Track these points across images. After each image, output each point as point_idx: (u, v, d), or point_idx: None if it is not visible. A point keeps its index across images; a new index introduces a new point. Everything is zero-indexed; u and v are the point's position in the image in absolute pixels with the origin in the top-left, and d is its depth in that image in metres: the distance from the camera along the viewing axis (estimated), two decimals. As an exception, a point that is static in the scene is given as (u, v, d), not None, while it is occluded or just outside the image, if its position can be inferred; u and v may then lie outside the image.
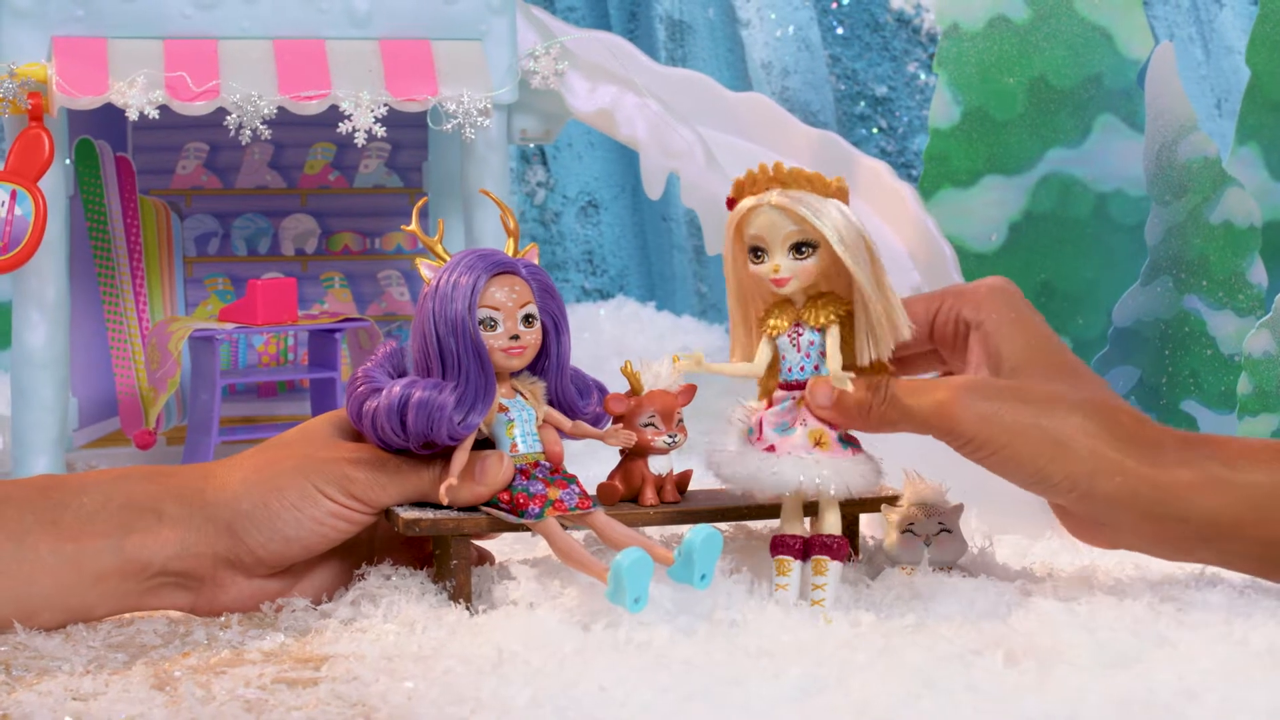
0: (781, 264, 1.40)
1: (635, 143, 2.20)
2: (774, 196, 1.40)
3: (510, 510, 1.40)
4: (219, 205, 2.37)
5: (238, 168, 2.37)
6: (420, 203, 1.54)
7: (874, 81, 3.26)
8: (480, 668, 1.23)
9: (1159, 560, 1.51)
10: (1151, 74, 2.27)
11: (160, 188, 2.35)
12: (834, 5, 3.26)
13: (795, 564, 1.40)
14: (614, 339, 2.87)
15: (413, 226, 1.47)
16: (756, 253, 1.42)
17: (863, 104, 3.25)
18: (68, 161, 2.11)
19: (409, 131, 2.30)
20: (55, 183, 1.99)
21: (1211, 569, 1.48)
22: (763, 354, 1.44)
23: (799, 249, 1.40)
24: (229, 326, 2.06)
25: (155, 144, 2.32)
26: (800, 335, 1.42)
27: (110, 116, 1.99)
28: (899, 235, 2.35)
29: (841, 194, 1.41)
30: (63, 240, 2.02)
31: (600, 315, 3.01)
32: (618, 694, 1.16)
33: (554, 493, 1.41)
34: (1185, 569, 1.50)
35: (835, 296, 1.42)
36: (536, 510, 1.40)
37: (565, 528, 1.40)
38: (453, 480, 1.40)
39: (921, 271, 2.30)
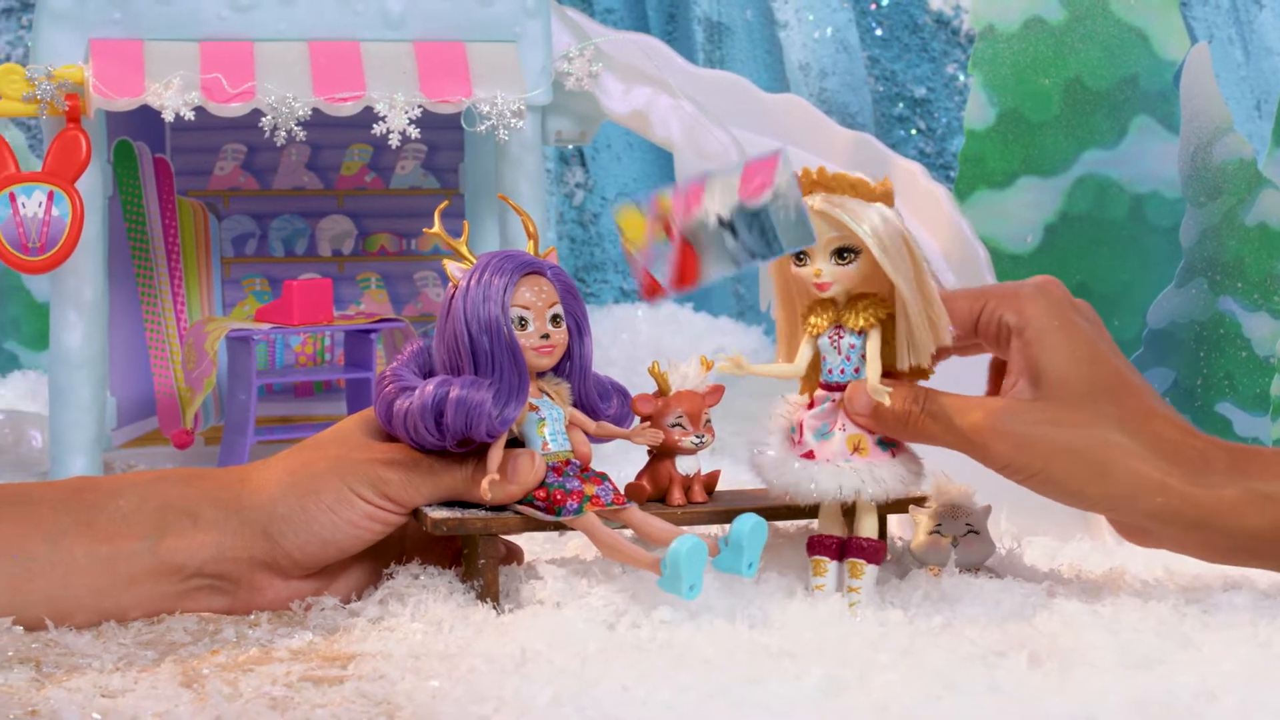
0: (823, 269, 1.40)
1: (670, 144, 2.20)
2: (816, 202, 1.39)
3: (546, 508, 1.41)
4: (256, 206, 2.39)
5: (275, 169, 2.38)
6: (442, 205, 1.55)
7: (913, 83, 3.26)
8: (504, 667, 1.24)
9: (1189, 563, 1.51)
10: (1187, 75, 2.26)
11: (198, 189, 2.36)
12: (873, 6, 3.26)
13: (832, 565, 1.40)
14: (651, 340, 2.87)
15: (435, 229, 1.48)
16: (799, 255, 1.42)
17: (901, 105, 3.25)
18: (107, 162, 2.13)
19: (446, 133, 2.31)
20: (94, 183, 2.01)
21: (1240, 571, 1.48)
22: (803, 354, 1.44)
23: (841, 254, 1.40)
24: (265, 327, 2.07)
25: (193, 145, 2.34)
26: (841, 338, 1.42)
27: (149, 118, 2.01)
28: (934, 236, 2.36)
29: (886, 198, 1.40)
30: (100, 241, 2.03)
31: (638, 316, 3.00)
32: (639, 693, 1.17)
33: (590, 489, 1.41)
34: (1213, 571, 1.50)
35: (877, 298, 1.41)
36: (575, 506, 1.40)
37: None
38: (495, 475, 1.40)
39: (955, 272, 2.30)
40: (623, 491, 1.48)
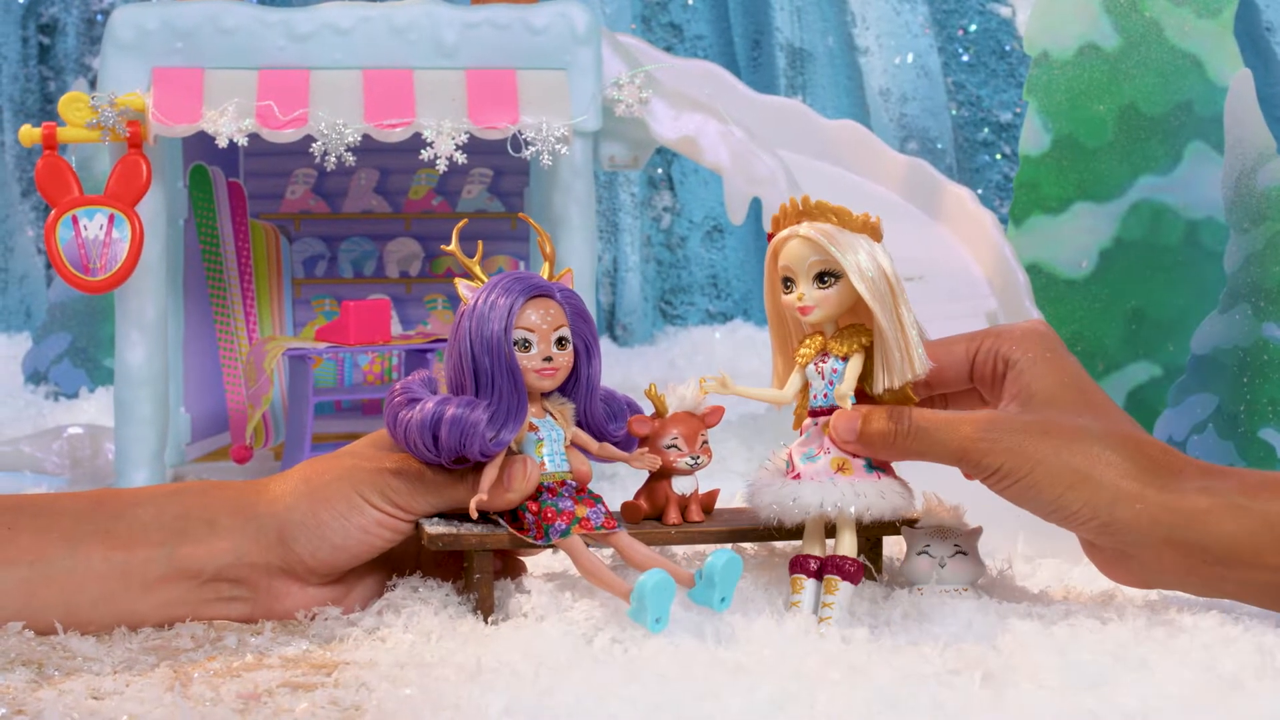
0: (806, 293, 1.44)
1: (719, 169, 2.24)
2: (802, 228, 1.44)
3: (536, 524, 1.44)
4: (326, 229, 2.45)
5: (344, 193, 2.45)
6: (460, 224, 1.60)
7: (998, 108, 3.27)
8: (466, 675, 1.28)
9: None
10: (1230, 101, 2.25)
11: (270, 212, 2.43)
12: (960, 33, 3.27)
13: (809, 582, 1.44)
14: (726, 360, 2.91)
15: (452, 247, 1.52)
16: (787, 283, 1.46)
17: (986, 130, 3.26)
18: (182, 186, 2.20)
19: (512, 159, 2.36)
20: (162, 206, 2.08)
21: (1227, 600, 1.49)
22: (792, 382, 1.49)
23: (822, 278, 1.44)
24: (322, 346, 2.13)
25: (266, 170, 2.41)
26: (825, 363, 1.46)
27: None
28: (979, 261, 2.37)
29: (870, 230, 1.45)
30: (163, 261, 2.10)
31: (715, 338, 3.05)
32: (588, 703, 1.20)
33: (581, 510, 1.45)
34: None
35: (863, 328, 1.46)
36: (563, 527, 1.44)
37: (589, 545, 1.45)
38: (482, 495, 1.44)
39: (998, 297, 2.31)
40: (619, 510, 1.52)
